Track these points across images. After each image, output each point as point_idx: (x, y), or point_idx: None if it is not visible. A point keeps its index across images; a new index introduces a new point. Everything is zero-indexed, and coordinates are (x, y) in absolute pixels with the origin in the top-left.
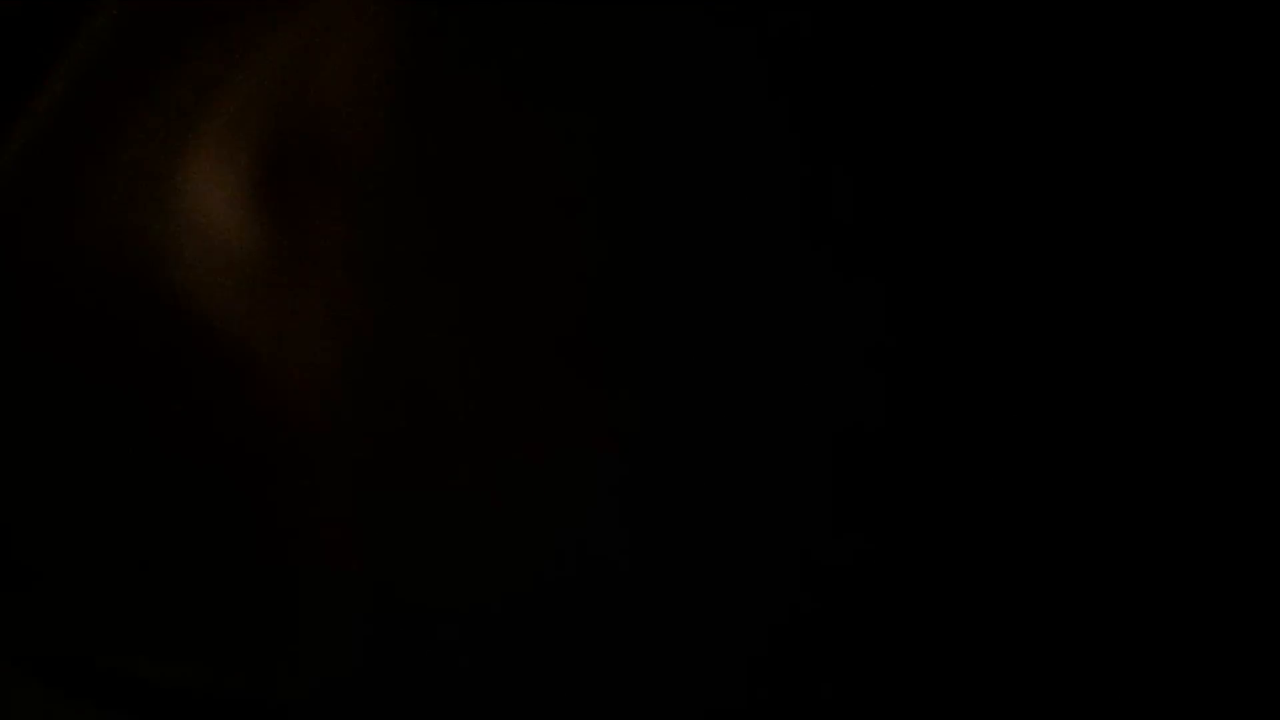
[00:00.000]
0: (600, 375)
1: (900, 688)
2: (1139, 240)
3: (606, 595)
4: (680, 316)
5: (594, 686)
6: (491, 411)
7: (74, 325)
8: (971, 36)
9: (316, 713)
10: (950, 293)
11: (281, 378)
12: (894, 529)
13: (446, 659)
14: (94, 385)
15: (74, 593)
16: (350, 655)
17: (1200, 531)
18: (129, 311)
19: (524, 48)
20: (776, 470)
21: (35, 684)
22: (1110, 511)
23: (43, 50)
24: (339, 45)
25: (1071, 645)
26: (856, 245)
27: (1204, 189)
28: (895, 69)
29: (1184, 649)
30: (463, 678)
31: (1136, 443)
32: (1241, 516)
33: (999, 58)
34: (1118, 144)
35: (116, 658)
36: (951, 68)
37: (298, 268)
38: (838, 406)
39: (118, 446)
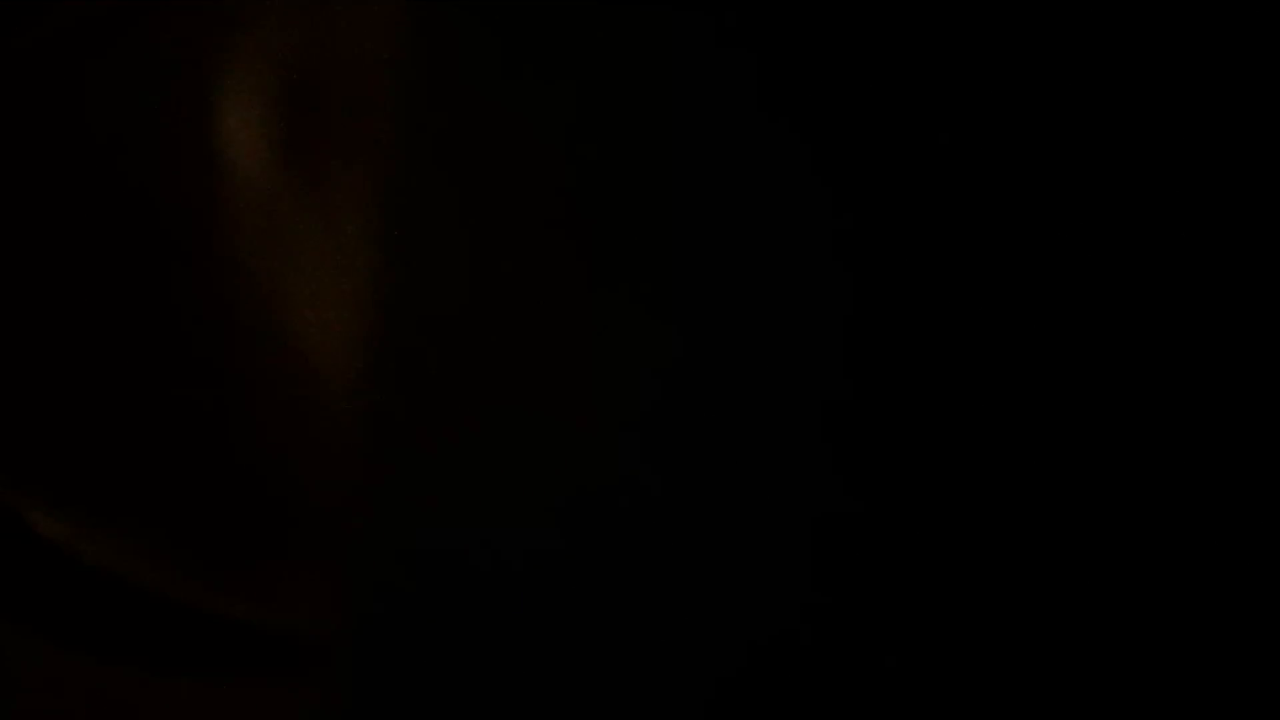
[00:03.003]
0: (618, 312)
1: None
2: (1137, 241)
3: (633, 528)
4: (695, 255)
5: (616, 626)
6: (502, 355)
7: (92, 230)
8: (971, 37)
9: (310, 648)
10: (949, 274)
11: (298, 314)
12: (902, 491)
13: (459, 600)
14: (111, 291)
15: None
16: (352, 593)
17: (1200, 532)
18: (149, 224)
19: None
20: (792, 394)
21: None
22: (1110, 512)
23: None
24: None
25: (1071, 646)
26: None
27: (1204, 188)
28: (897, 63)
29: (1184, 649)
30: (476, 620)
31: (1134, 442)
32: (1242, 516)
33: (999, 59)
34: (1117, 144)
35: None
36: (952, 66)
37: (315, 212)
38: (844, 312)
39: (129, 362)
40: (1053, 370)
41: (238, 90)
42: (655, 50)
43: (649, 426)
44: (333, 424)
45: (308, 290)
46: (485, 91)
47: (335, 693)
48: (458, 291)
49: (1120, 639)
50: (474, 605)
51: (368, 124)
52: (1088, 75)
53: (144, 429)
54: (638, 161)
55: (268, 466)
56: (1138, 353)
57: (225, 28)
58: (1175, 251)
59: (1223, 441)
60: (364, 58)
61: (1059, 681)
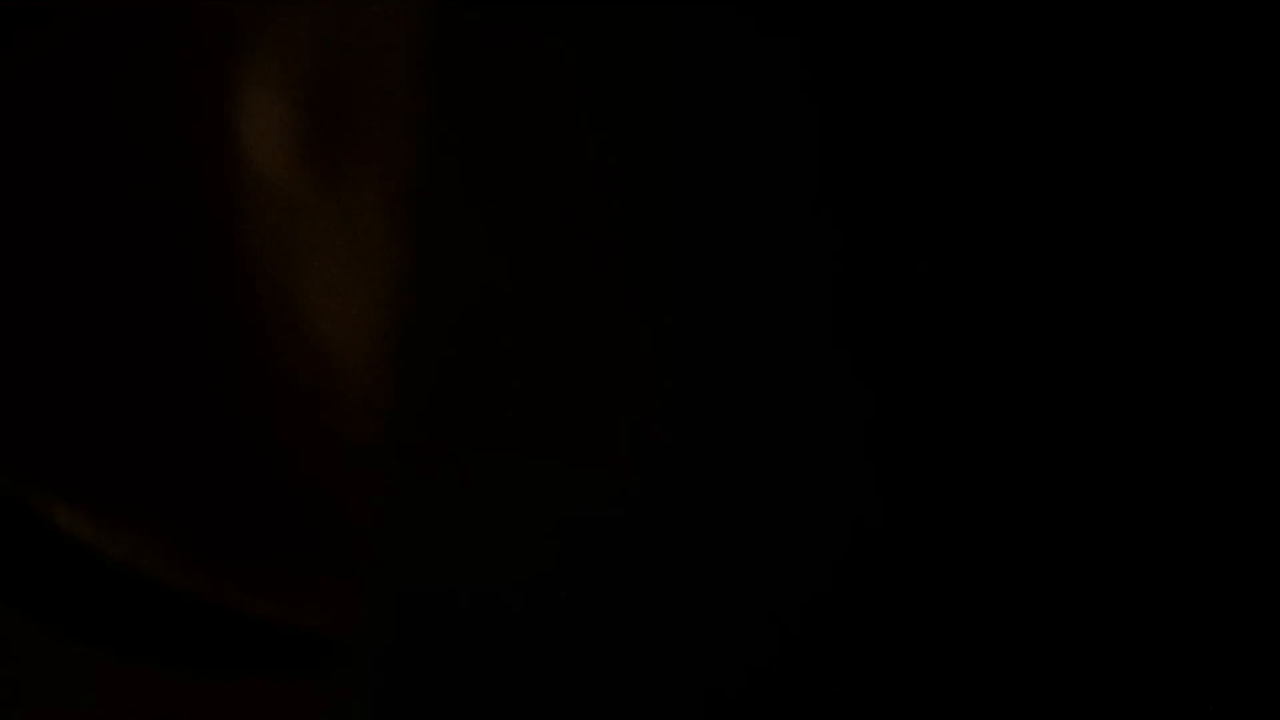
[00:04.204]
0: (643, 324)
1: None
2: (1139, 239)
3: (643, 531)
4: (711, 259)
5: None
6: (518, 354)
7: (110, 226)
8: (974, 34)
9: (313, 648)
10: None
11: (316, 310)
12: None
13: (474, 599)
14: (131, 288)
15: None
16: (368, 590)
17: (1201, 533)
18: (167, 221)
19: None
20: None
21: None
22: (1114, 515)
23: None
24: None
25: (1073, 646)
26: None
27: (1204, 189)
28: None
29: (1184, 650)
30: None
31: (1141, 448)
32: (1241, 517)
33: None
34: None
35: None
36: (955, 63)
37: (333, 210)
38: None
39: (146, 357)
40: (1064, 373)
41: (257, 88)
42: (676, 51)
43: (657, 428)
44: (349, 420)
45: (326, 287)
46: (505, 91)
47: (352, 690)
48: (475, 290)
49: (1123, 640)
50: (489, 605)
51: (387, 123)
52: (1090, 72)
53: (160, 424)
54: (653, 163)
55: (284, 463)
56: (1147, 353)
57: (246, 25)
58: (1184, 251)
59: (1234, 442)
60: (384, 57)
61: (1060, 682)
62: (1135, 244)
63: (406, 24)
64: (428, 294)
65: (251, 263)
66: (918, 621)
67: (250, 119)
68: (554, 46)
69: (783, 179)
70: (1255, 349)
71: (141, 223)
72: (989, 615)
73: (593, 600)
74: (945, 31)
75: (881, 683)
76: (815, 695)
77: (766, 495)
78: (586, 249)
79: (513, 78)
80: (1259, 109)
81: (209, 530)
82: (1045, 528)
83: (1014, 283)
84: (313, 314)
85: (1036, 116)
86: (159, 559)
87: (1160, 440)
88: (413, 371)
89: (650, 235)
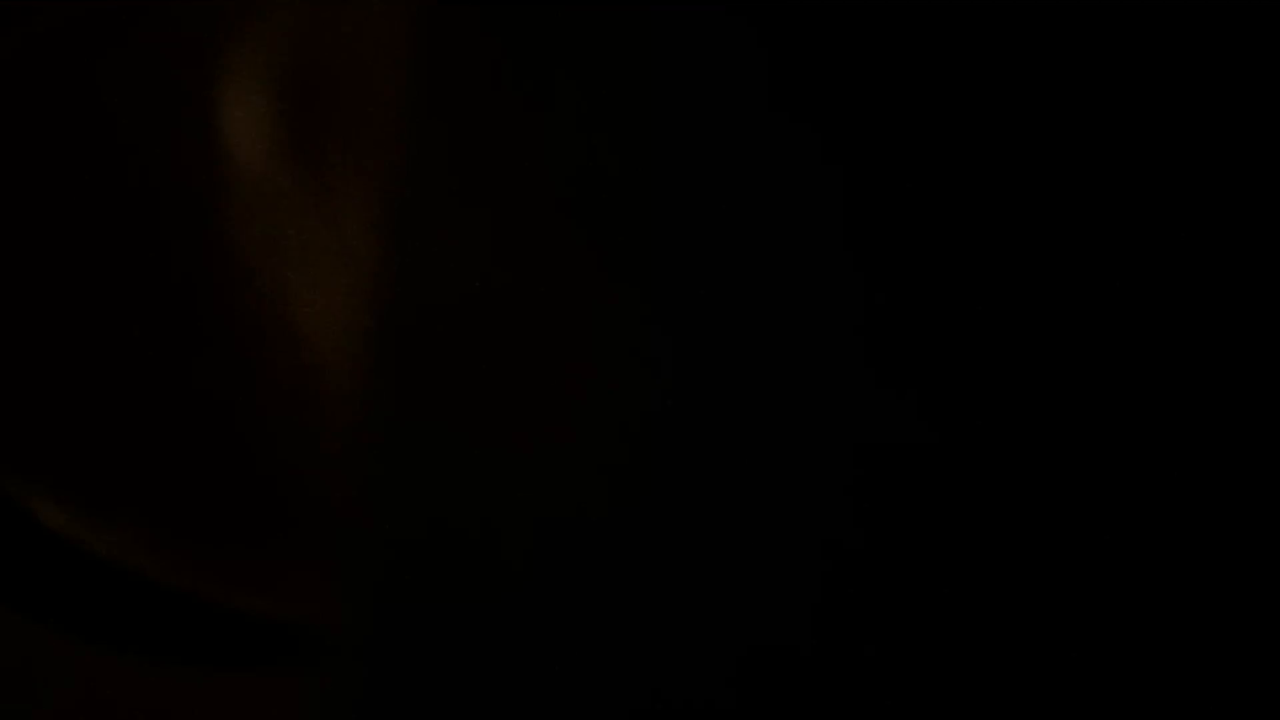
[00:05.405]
0: (625, 307)
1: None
2: (1148, 234)
3: (634, 523)
4: (703, 250)
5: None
6: (505, 349)
7: (95, 222)
8: (973, 36)
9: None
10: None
11: (301, 307)
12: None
13: (460, 591)
14: (114, 282)
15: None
16: (353, 583)
17: (1201, 534)
18: (152, 217)
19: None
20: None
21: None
22: (1118, 513)
23: None
24: None
25: (1077, 646)
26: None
27: (1204, 189)
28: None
29: (1184, 650)
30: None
31: (1146, 447)
32: (1242, 518)
33: (1001, 58)
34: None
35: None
36: (954, 65)
37: (319, 205)
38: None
39: (132, 354)
40: (1076, 373)
41: (240, 82)
42: (662, 42)
43: (654, 425)
44: (334, 416)
45: (311, 283)
46: (491, 86)
47: (339, 682)
48: (461, 286)
49: (1123, 642)
50: (475, 596)
51: (373, 118)
52: (1098, 65)
53: (146, 420)
54: (645, 156)
55: (270, 457)
56: (1151, 355)
57: (231, 21)
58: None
59: (1223, 443)
60: (368, 52)
61: (1059, 684)
62: (1132, 243)
63: (390, 18)
64: (412, 287)
65: (234, 256)
66: (911, 635)
67: (233, 113)
68: (544, 43)
69: (780, 176)
70: (1257, 343)
71: (124, 218)
72: (986, 616)
73: (577, 592)
74: (941, 29)
75: (881, 690)
76: (812, 694)
77: (761, 494)
78: (572, 242)
79: (498, 75)
80: (1259, 109)
81: (194, 525)
82: (1043, 530)
83: (1014, 283)
84: (295, 308)
85: (1031, 115)
86: (144, 554)
87: (1158, 438)
88: (396, 366)
89: (641, 230)
